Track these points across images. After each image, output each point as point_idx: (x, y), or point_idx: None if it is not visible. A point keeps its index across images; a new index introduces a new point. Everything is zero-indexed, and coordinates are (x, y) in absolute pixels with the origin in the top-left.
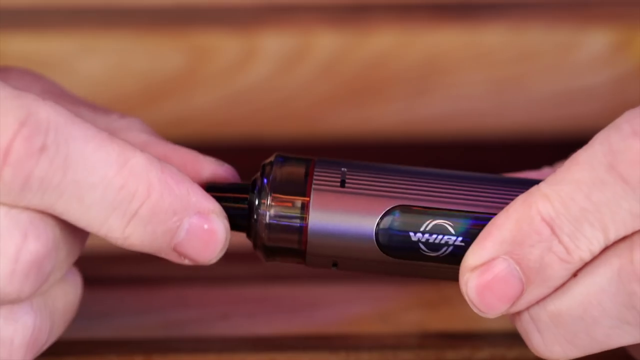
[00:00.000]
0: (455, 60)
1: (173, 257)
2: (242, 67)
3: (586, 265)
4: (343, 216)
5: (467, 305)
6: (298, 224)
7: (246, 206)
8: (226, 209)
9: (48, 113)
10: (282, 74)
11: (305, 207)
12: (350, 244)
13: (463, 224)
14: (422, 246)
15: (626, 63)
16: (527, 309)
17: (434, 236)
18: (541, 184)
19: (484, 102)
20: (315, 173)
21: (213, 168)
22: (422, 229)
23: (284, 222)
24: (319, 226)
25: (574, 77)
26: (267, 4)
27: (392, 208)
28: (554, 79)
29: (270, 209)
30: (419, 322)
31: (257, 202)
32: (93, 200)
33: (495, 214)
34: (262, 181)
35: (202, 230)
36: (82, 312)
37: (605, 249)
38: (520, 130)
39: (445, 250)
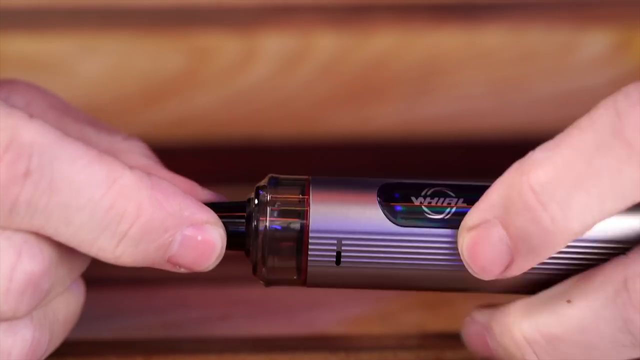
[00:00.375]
0: (455, 60)
1: (168, 268)
2: (242, 68)
3: (579, 290)
4: (343, 203)
5: (467, 305)
6: (298, 222)
7: (243, 222)
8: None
9: (32, 136)
10: (282, 75)
11: (305, 204)
12: (356, 224)
13: (461, 188)
14: (425, 209)
15: (626, 63)
16: (521, 330)
17: (436, 199)
18: (537, 149)
19: (485, 103)
20: (312, 191)
21: (210, 198)
22: (422, 194)
23: (284, 226)
24: (320, 217)
25: (574, 77)
26: (267, 4)
27: (388, 183)
28: (554, 79)
29: (269, 218)
30: (419, 323)
31: (255, 217)
32: (81, 222)
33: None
34: (258, 202)
35: (195, 242)
36: (83, 313)
37: (598, 273)
38: (521, 131)
39: (449, 212)
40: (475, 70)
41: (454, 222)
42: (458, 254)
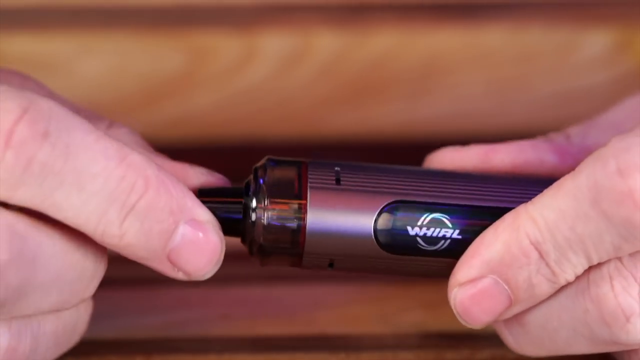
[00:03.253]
0: (455, 60)
1: (167, 268)
2: (242, 68)
3: None
4: (340, 214)
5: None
6: (296, 224)
7: (240, 209)
8: (220, 213)
9: (49, 104)
10: (282, 75)
11: (302, 208)
12: (348, 242)
13: (459, 217)
14: (420, 240)
15: (626, 63)
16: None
17: (432, 230)
18: (528, 205)
19: (484, 103)
20: (309, 174)
21: (203, 178)
22: (419, 223)
23: (282, 223)
24: (316, 225)
25: (574, 77)
26: (267, 4)
27: (389, 203)
28: (554, 79)
29: (267, 212)
30: (419, 323)
31: (253, 205)
32: (94, 190)
33: (490, 207)
34: (257, 184)
35: (197, 238)
36: None
37: None
38: (520, 130)
39: (443, 244)
40: (475, 70)
41: (446, 252)
42: (445, 255)
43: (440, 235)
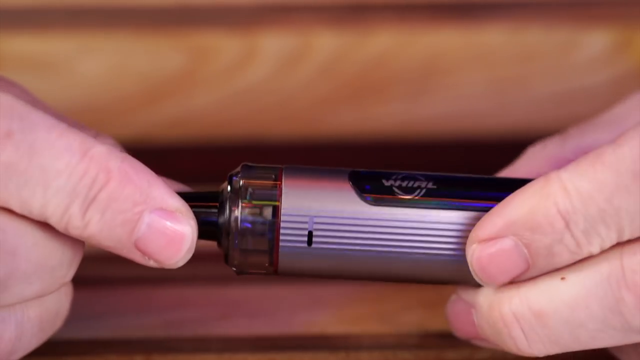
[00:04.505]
0: (455, 60)
1: (137, 256)
2: (242, 68)
3: (574, 268)
4: (315, 187)
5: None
6: (270, 207)
7: (215, 213)
8: (195, 216)
9: (11, 101)
10: (282, 74)
11: (277, 187)
12: (327, 196)
13: (430, 174)
14: (396, 190)
15: (626, 63)
16: (511, 307)
17: (406, 182)
18: (561, 172)
19: (484, 102)
20: (284, 174)
21: (180, 188)
22: (393, 177)
23: (257, 216)
24: (293, 188)
25: (574, 77)
26: (267, 4)
27: (358, 170)
28: (554, 79)
29: (242, 211)
30: (419, 322)
31: (227, 213)
32: (58, 187)
33: (465, 176)
34: (231, 190)
35: (164, 227)
36: (82, 312)
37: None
38: (520, 130)
39: (419, 192)
40: (475, 70)
41: (424, 203)
42: (428, 236)
43: (415, 185)
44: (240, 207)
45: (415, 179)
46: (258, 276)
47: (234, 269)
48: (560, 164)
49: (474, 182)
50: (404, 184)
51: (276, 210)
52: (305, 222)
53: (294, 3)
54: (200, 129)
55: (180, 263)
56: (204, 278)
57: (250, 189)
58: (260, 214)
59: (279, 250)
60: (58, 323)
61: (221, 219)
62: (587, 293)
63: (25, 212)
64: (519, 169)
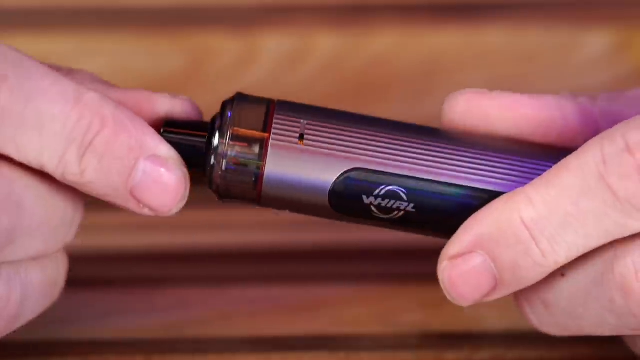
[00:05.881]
0: (455, 60)
1: (132, 205)
2: (243, 68)
3: (572, 265)
4: (299, 171)
5: (467, 306)
6: (255, 168)
7: (204, 142)
8: (184, 146)
9: (4, 49)
10: (283, 75)
11: (263, 154)
12: (303, 198)
13: (416, 191)
14: (373, 209)
15: (626, 63)
16: (522, 293)
17: (387, 201)
18: (527, 186)
19: None
20: (275, 120)
21: (168, 103)
22: (375, 194)
23: (242, 162)
24: (274, 176)
25: (574, 77)
26: (267, 4)
27: (347, 171)
28: (554, 79)
29: (229, 147)
30: (419, 323)
31: (216, 140)
32: (54, 132)
33: (451, 184)
34: (222, 118)
35: (159, 174)
36: (83, 313)
37: (593, 251)
38: None
39: (396, 215)
40: (475, 70)
41: (398, 222)
42: (397, 225)
43: (395, 206)
44: (229, 138)
45: (397, 197)
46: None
47: (217, 192)
48: (588, 116)
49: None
50: (384, 203)
51: (263, 153)
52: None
53: (295, 3)
54: None
55: (174, 211)
56: (204, 278)
57: (241, 121)
58: (249, 150)
59: (262, 189)
60: (56, 293)
61: (211, 143)
62: (583, 290)
63: (22, 159)
64: (550, 104)
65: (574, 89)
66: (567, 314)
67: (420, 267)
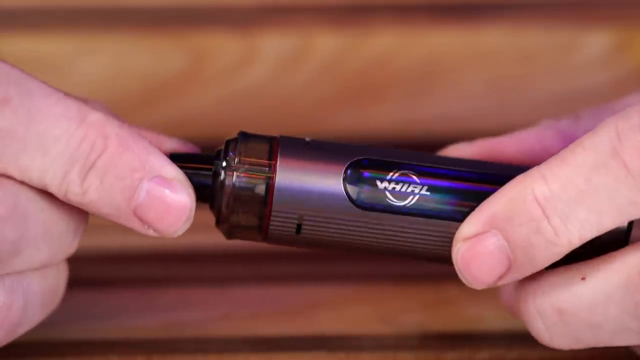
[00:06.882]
0: (455, 60)
1: (136, 225)
2: (242, 68)
3: (594, 267)
4: (309, 172)
5: (467, 305)
6: (265, 182)
7: (210, 175)
8: (190, 178)
9: (7, 68)
10: (282, 75)
11: (272, 168)
12: (318, 199)
13: (428, 174)
14: (388, 194)
15: (626, 64)
16: (534, 302)
17: (400, 185)
18: (541, 165)
19: (484, 103)
20: (280, 144)
21: (176, 146)
22: (388, 177)
23: (250, 182)
24: (285, 182)
25: (574, 77)
26: (267, 4)
27: (357, 160)
28: (554, 79)
29: (236, 173)
30: (419, 323)
31: (222, 169)
32: (57, 153)
33: (459, 170)
34: (228, 151)
35: (163, 195)
36: (83, 313)
37: (615, 256)
38: None
39: (411, 200)
40: (475, 70)
41: (415, 209)
42: (417, 239)
43: (409, 190)
44: (235, 175)
45: (410, 182)
46: (258, 276)
47: (224, 232)
48: (570, 140)
49: (469, 181)
50: (398, 187)
51: (269, 189)
52: (295, 217)
53: (295, 3)
54: (201, 129)
55: (179, 232)
56: (204, 278)
57: (245, 161)
58: (253, 186)
59: (269, 228)
60: (57, 301)
61: (215, 183)
62: (605, 295)
63: (25, 179)
64: (529, 138)
65: (574, 89)
66: (584, 322)
67: (420, 267)
